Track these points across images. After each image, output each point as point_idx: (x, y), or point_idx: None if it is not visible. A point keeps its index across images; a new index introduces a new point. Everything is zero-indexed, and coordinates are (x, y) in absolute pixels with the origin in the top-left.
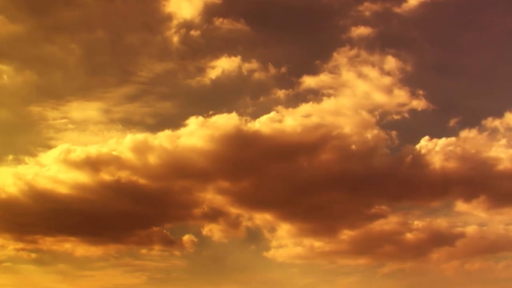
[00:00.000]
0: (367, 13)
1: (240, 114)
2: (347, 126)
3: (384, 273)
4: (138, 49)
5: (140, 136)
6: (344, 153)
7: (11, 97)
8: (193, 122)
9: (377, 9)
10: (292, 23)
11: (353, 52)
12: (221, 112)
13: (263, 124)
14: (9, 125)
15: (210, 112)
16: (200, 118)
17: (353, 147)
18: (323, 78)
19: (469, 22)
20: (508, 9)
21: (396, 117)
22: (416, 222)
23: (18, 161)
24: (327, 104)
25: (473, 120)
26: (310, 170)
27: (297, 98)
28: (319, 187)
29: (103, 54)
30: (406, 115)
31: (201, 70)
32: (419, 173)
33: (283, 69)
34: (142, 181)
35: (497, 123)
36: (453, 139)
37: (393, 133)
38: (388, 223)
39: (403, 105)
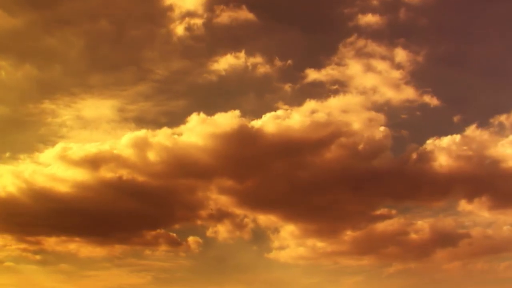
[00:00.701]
0: (374, 2)
1: (245, 112)
2: (352, 124)
3: (388, 273)
4: (142, 44)
5: (141, 133)
6: (349, 152)
7: (23, 93)
8: (196, 120)
9: None
10: (298, 11)
11: (361, 42)
12: (226, 110)
13: (269, 122)
14: (19, 122)
15: (214, 111)
16: (202, 115)
17: (359, 146)
18: (329, 72)
19: (481, 11)
20: None
21: (403, 115)
22: (420, 222)
23: (24, 159)
24: (333, 101)
25: (481, 117)
26: (314, 170)
27: (302, 94)
28: (323, 187)
29: (106, 48)
30: (414, 112)
31: (206, 67)
32: (424, 173)
33: (289, 62)
34: (146, 180)
35: (503, 118)
36: (460, 136)
37: (400, 131)
38: (392, 223)
39: (411, 101)
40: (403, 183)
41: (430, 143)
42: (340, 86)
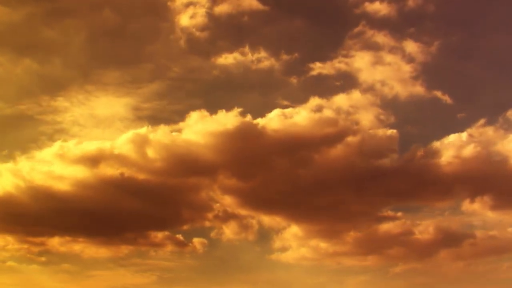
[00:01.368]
0: None
1: (249, 110)
2: (358, 122)
3: (394, 273)
4: (146, 38)
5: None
6: (354, 152)
7: (37, 89)
8: (199, 117)
9: None
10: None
11: (368, 32)
12: (230, 107)
13: (274, 120)
14: (30, 119)
15: (218, 108)
16: (206, 113)
17: (364, 145)
18: (336, 65)
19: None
20: None
21: (410, 111)
22: (425, 222)
23: (26, 158)
24: (339, 98)
25: (490, 113)
26: (319, 169)
27: (308, 91)
28: (328, 187)
29: (109, 42)
30: (422, 108)
31: (211, 62)
32: (430, 172)
33: (295, 55)
34: (151, 180)
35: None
36: (467, 134)
37: (407, 128)
38: (397, 223)
39: (419, 97)
40: (408, 182)
41: (437, 141)
42: (346, 81)
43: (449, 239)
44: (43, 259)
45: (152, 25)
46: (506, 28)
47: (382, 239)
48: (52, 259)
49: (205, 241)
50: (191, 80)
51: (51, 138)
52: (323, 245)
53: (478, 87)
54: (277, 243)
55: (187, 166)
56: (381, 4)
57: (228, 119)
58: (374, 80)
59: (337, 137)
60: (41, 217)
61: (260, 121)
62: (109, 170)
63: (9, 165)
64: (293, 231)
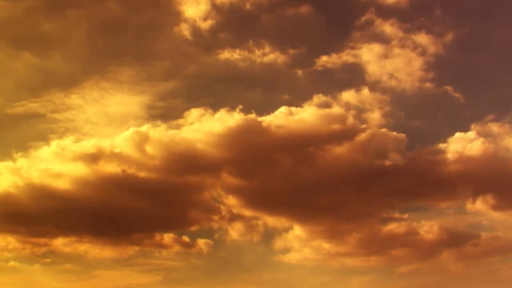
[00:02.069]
0: None
1: (254, 108)
2: (364, 120)
3: (399, 273)
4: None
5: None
6: (359, 151)
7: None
8: (201, 116)
9: None
10: None
11: (376, 21)
12: (235, 104)
13: (279, 118)
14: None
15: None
16: (209, 110)
17: (369, 144)
18: (343, 59)
19: None
20: None
21: (418, 107)
22: (430, 222)
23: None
24: (345, 95)
25: (501, 109)
26: (323, 169)
27: (313, 87)
28: (332, 187)
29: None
30: (431, 104)
31: (215, 57)
32: (436, 171)
33: (300, 49)
34: (156, 179)
35: None
36: (475, 132)
37: (414, 124)
38: (402, 223)
39: (428, 92)
40: (413, 181)
41: (444, 139)
42: (353, 75)
43: (454, 239)
44: (46, 259)
45: (156, 16)
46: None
47: (387, 239)
48: (56, 259)
49: (209, 241)
50: (195, 76)
51: (62, 137)
52: (327, 245)
53: (489, 82)
54: (281, 244)
55: (190, 165)
56: None
57: (232, 117)
58: (382, 74)
59: (343, 135)
60: (45, 216)
61: (265, 119)
62: (112, 169)
63: (9, 163)
64: (297, 231)
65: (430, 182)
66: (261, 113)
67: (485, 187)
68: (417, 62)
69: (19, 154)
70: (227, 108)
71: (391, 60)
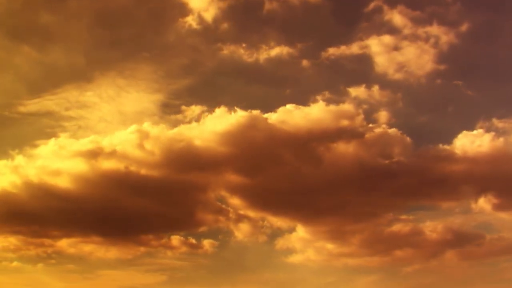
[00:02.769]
0: None
1: (259, 105)
2: (370, 118)
3: (404, 273)
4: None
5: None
6: (364, 150)
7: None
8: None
9: None
10: None
11: (385, 10)
12: (240, 102)
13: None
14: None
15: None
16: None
17: (375, 143)
18: (352, 50)
19: None
20: None
21: (427, 103)
22: (436, 222)
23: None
24: (352, 91)
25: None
26: (327, 168)
27: (318, 84)
28: (337, 186)
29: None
30: (440, 100)
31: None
32: (443, 171)
33: (307, 42)
34: (161, 178)
35: None
36: (485, 131)
37: (422, 120)
38: (407, 223)
39: (438, 87)
40: (418, 181)
41: (453, 136)
42: (361, 69)
43: (460, 239)
44: (51, 259)
45: (160, 6)
46: None
47: (392, 239)
48: (60, 259)
49: (214, 242)
50: (200, 72)
51: (74, 135)
52: (331, 245)
53: (503, 76)
54: (286, 244)
55: (194, 164)
56: None
57: (236, 114)
58: (392, 67)
59: (349, 134)
60: (50, 216)
61: (270, 116)
62: (117, 167)
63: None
64: (302, 231)
65: (436, 182)
66: (266, 109)
67: (493, 186)
68: (428, 54)
69: (24, 152)
70: (229, 105)
71: (400, 52)
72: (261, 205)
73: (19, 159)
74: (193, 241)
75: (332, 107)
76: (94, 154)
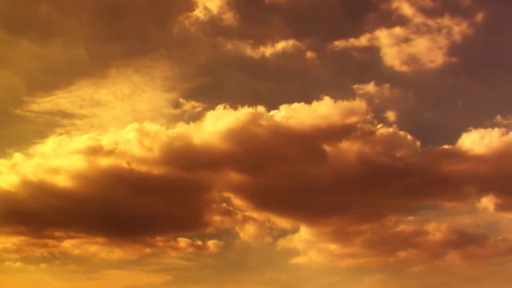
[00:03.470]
0: None
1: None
2: (375, 116)
3: (410, 272)
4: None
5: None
6: (369, 148)
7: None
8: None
9: None
10: None
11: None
12: (245, 100)
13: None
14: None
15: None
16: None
17: (381, 142)
18: (360, 42)
19: None
20: None
21: (437, 100)
22: (439, 223)
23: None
24: (359, 87)
25: None
26: (331, 168)
27: (326, 79)
28: (341, 187)
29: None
30: (450, 96)
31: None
32: (449, 170)
33: (313, 35)
34: (166, 178)
35: None
36: (495, 129)
37: (430, 117)
38: (410, 224)
39: (448, 82)
40: (423, 181)
41: (461, 134)
42: (368, 63)
43: (466, 239)
44: (55, 259)
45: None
46: None
47: (398, 239)
48: (65, 260)
49: (219, 242)
50: (206, 67)
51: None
52: (335, 246)
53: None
54: (290, 244)
55: (198, 163)
56: None
57: (240, 112)
58: (400, 62)
59: (355, 131)
60: (55, 217)
61: (275, 114)
62: (119, 166)
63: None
64: (306, 232)
65: (441, 181)
66: (271, 106)
67: (502, 185)
68: (439, 47)
69: (26, 150)
70: (233, 103)
71: (410, 44)
72: (265, 205)
73: (23, 158)
74: (198, 241)
75: (339, 104)
76: (95, 152)
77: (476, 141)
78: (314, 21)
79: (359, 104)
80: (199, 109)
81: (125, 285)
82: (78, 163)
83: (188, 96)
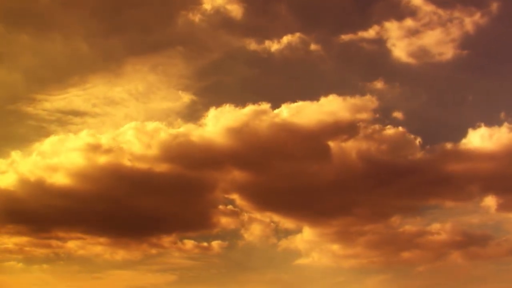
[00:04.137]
0: None
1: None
2: (380, 115)
3: (414, 273)
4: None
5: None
6: (373, 147)
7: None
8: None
9: None
10: None
11: None
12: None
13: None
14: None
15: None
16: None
17: (385, 141)
18: (370, 33)
19: None
20: None
21: (446, 96)
22: (444, 223)
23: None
24: (365, 85)
25: None
26: (335, 168)
27: (331, 75)
28: (345, 186)
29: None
30: (461, 91)
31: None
32: (455, 169)
33: (321, 30)
34: (170, 178)
35: None
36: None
37: (440, 113)
38: (415, 224)
39: (458, 77)
40: (428, 181)
41: (468, 133)
42: (376, 57)
43: (471, 239)
44: (59, 259)
45: None
46: None
47: (403, 239)
48: (69, 260)
49: (223, 243)
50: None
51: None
52: (339, 246)
53: None
54: (294, 245)
55: (203, 162)
56: None
57: (244, 110)
58: (408, 56)
59: (361, 129)
60: (59, 216)
61: (280, 111)
62: (122, 164)
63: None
64: (310, 232)
65: (446, 181)
66: (276, 102)
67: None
68: (450, 39)
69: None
70: (237, 100)
71: (419, 37)
72: (269, 206)
73: (25, 156)
74: (202, 242)
75: (345, 101)
76: (97, 150)
77: (484, 138)
78: (321, 13)
79: (365, 101)
80: (203, 106)
81: (130, 285)
82: (81, 161)
83: (195, 93)
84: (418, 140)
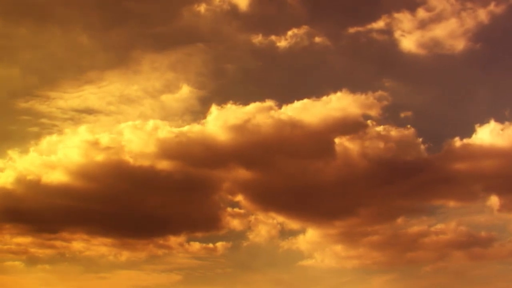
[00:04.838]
0: None
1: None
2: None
3: (420, 272)
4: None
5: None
6: (377, 147)
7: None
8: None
9: None
10: None
11: None
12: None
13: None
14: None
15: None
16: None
17: (390, 140)
18: (379, 24)
19: None
20: None
21: (454, 92)
22: (449, 223)
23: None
24: (373, 83)
25: None
26: (339, 168)
27: (337, 72)
28: (348, 186)
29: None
30: (470, 87)
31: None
32: (459, 169)
33: (329, 22)
34: (174, 178)
35: None
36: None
37: (446, 110)
38: (420, 224)
39: (468, 73)
40: (433, 181)
41: (475, 131)
42: (384, 52)
43: (477, 240)
44: (64, 259)
45: None
46: None
47: (409, 239)
48: (74, 259)
49: (228, 244)
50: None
51: (110, 130)
52: (345, 246)
53: None
54: (298, 245)
55: (207, 162)
56: None
57: (248, 108)
58: (417, 49)
59: (365, 128)
60: (64, 216)
61: (285, 110)
62: (126, 164)
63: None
64: (314, 233)
65: (452, 180)
66: (281, 100)
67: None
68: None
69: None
70: (240, 99)
71: (429, 29)
72: (274, 207)
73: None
74: (208, 243)
75: (351, 98)
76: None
77: (493, 135)
78: (329, 5)
79: (373, 98)
80: (209, 105)
81: (135, 284)
82: (82, 159)
83: (200, 91)
84: (424, 140)
